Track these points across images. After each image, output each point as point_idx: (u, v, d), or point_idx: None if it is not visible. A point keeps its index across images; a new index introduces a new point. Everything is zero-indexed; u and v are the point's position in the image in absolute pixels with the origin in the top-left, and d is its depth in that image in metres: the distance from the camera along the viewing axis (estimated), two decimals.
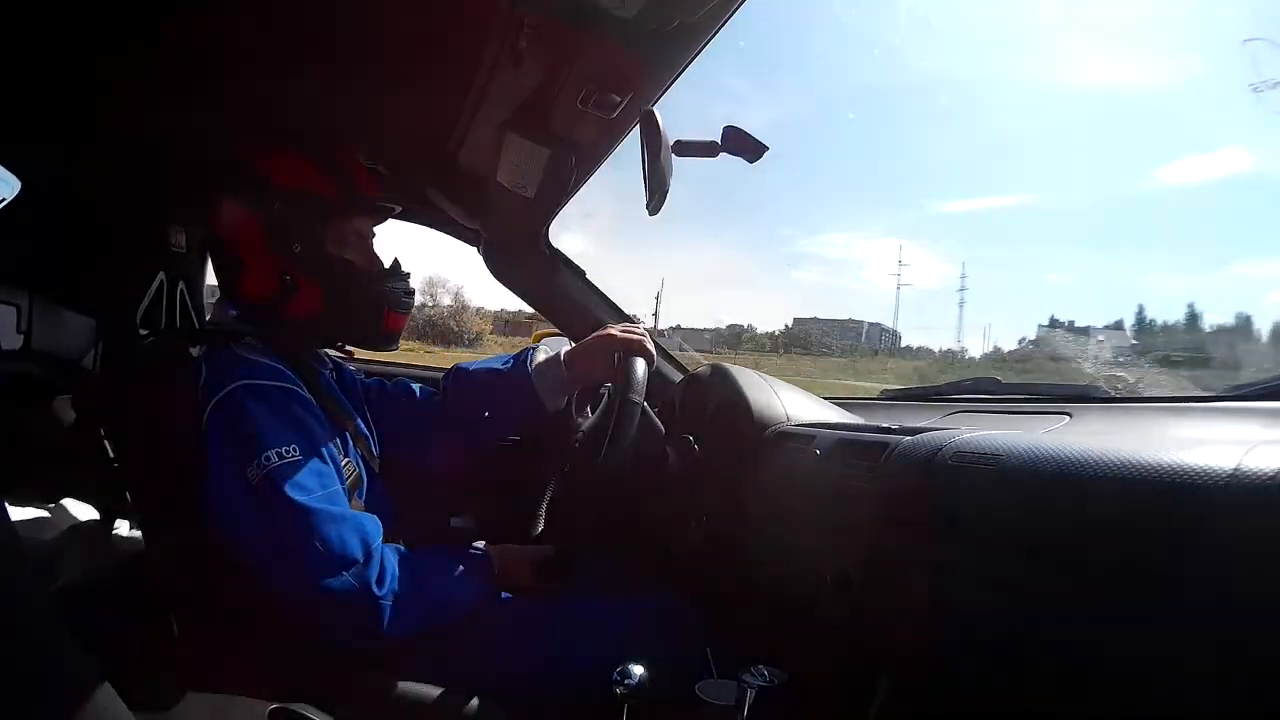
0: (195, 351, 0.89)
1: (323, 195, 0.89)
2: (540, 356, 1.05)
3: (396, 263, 0.96)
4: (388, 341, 0.96)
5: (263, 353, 0.86)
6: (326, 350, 1.00)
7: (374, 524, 0.82)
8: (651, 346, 0.99)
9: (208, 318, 1.41)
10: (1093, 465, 0.52)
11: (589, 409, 1.10)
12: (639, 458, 0.93)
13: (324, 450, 0.82)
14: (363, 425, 0.99)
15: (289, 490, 0.76)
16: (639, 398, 0.89)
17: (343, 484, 0.84)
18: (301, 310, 0.90)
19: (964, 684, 0.58)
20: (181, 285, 1.32)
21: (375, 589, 0.77)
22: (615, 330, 1.02)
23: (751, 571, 0.89)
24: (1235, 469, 0.43)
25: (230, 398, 0.80)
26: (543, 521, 1.09)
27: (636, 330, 1.01)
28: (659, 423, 1.02)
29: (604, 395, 1.06)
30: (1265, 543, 0.40)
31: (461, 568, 0.86)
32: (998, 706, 0.55)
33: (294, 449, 0.77)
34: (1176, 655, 0.43)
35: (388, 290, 0.93)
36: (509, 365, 1.06)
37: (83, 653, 0.45)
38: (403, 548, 0.85)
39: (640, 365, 0.92)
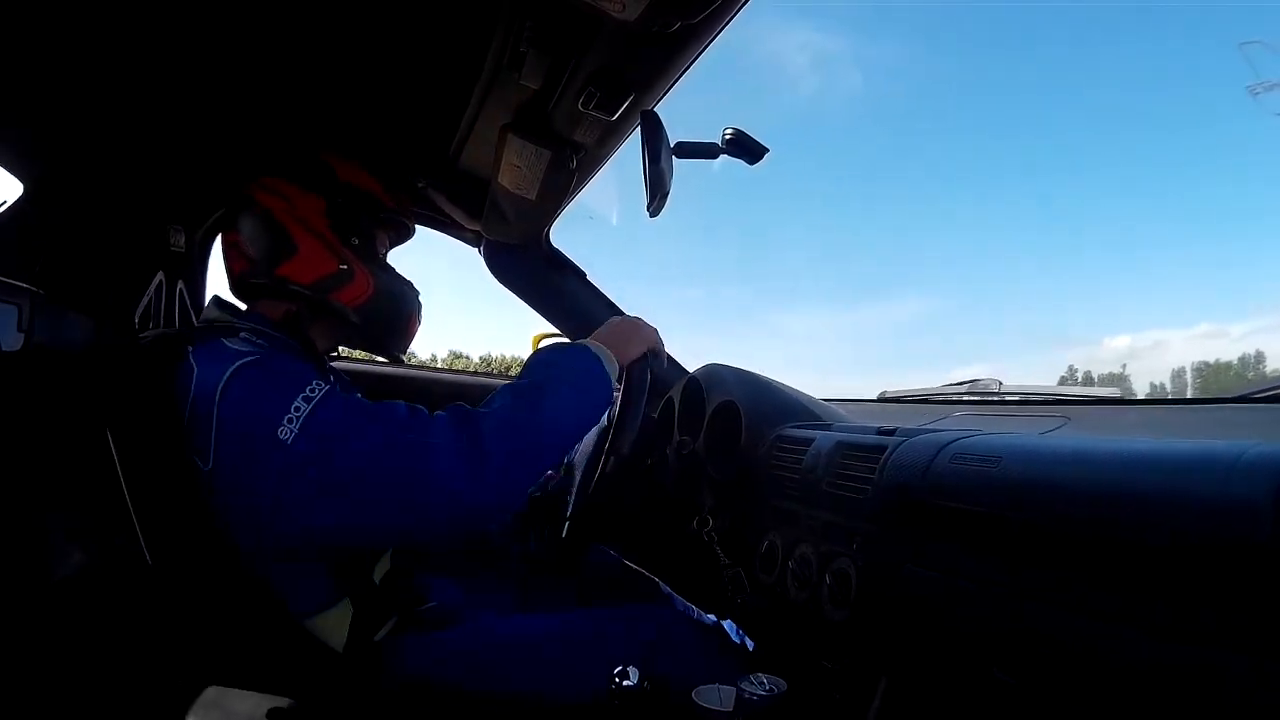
0: (192, 350, 0.88)
1: (381, 200, 0.93)
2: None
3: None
4: (404, 346, 0.98)
5: (257, 342, 0.82)
6: None
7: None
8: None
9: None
10: (1092, 465, 0.53)
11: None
12: (639, 458, 0.93)
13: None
14: None
15: (338, 405, 0.71)
16: (644, 398, 0.90)
17: None
18: (350, 299, 0.89)
19: (963, 684, 0.59)
20: (181, 285, 1.32)
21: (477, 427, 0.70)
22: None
23: (750, 572, 0.89)
24: (1234, 468, 0.43)
25: (233, 383, 0.75)
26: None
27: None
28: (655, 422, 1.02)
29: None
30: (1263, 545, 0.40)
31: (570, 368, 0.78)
32: (997, 706, 0.55)
33: (318, 384, 0.73)
34: (1177, 654, 0.43)
35: (419, 302, 0.97)
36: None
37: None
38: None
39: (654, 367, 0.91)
